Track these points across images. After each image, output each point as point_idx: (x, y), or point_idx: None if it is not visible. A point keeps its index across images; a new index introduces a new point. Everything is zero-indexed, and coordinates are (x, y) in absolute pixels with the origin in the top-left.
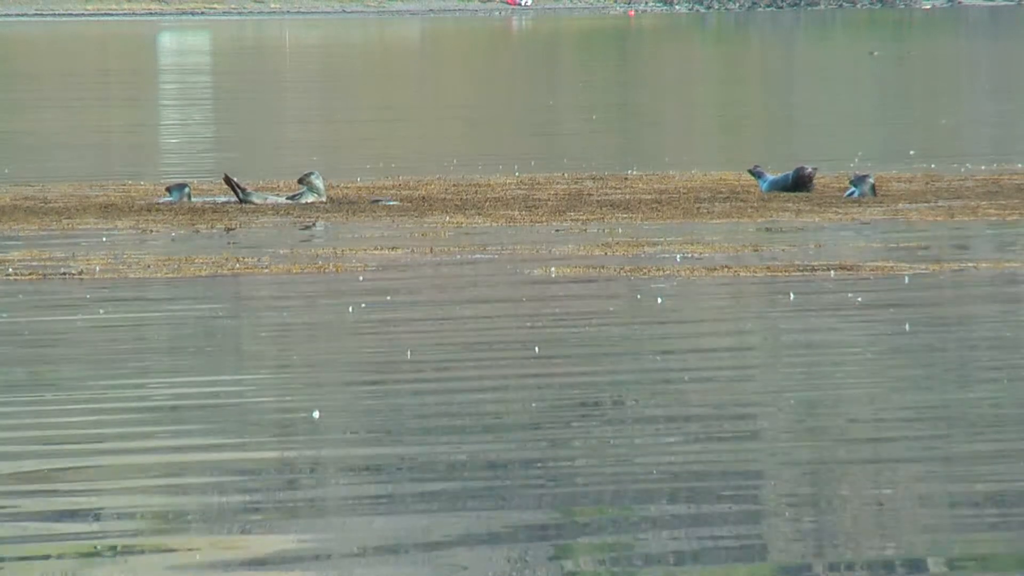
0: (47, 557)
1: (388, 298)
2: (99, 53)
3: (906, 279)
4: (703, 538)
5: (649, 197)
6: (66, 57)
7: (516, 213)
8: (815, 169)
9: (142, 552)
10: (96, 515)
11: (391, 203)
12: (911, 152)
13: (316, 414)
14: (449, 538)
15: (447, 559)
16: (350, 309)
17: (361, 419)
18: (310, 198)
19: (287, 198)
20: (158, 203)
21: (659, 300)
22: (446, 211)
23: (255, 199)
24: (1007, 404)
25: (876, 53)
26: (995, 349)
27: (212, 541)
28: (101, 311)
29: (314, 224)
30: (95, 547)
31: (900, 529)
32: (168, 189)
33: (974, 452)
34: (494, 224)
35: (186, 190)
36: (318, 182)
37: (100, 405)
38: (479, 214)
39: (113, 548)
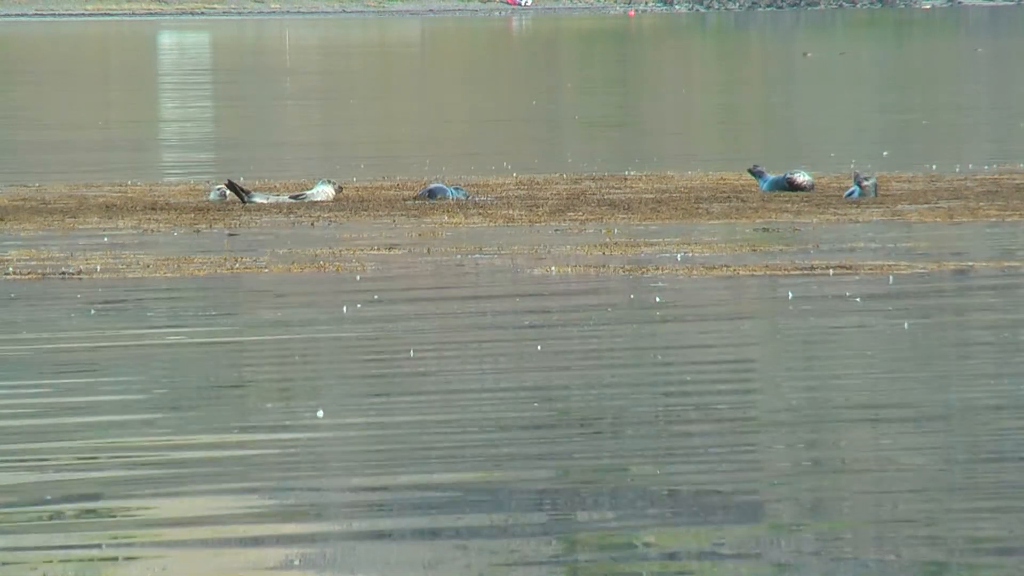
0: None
1: (376, 296)
2: (99, 53)
3: (890, 279)
4: (706, 550)
5: (650, 197)
6: (66, 57)
7: (515, 213)
8: (804, 179)
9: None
10: (93, 515)
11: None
12: (884, 153)
13: (320, 414)
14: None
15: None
16: (344, 309)
17: (362, 423)
18: (319, 198)
19: (290, 197)
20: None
21: (657, 299)
22: (446, 211)
23: (258, 198)
24: (1007, 407)
25: (809, 54)
26: (994, 347)
27: (203, 554)
28: (92, 311)
29: (315, 223)
30: (90, 555)
31: (902, 537)
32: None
33: (974, 457)
34: (493, 224)
35: (216, 191)
36: (328, 187)
37: (96, 405)
38: (479, 214)
39: (107, 556)
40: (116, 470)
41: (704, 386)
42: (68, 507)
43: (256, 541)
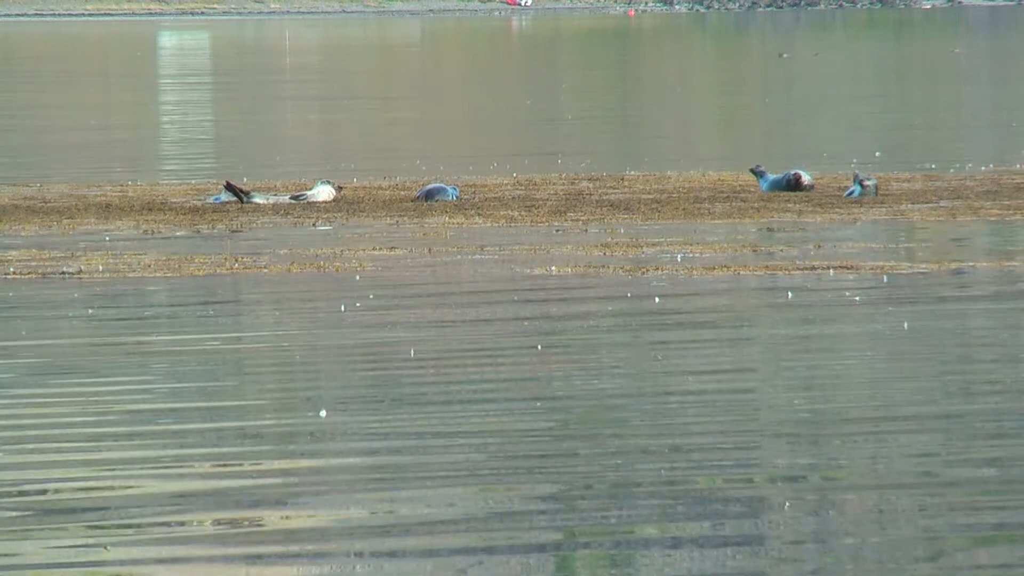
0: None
1: (371, 296)
2: (99, 53)
3: (884, 278)
4: (704, 553)
5: (649, 197)
6: (66, 57)
7: (516, 213)
8: (805, 179)
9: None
10: (94, 517)
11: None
12: (877, 153)
13: (323, 414)
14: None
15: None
16: (343, 308)
17: (362, 425)
18: (319, 198)
19: (290, 198)
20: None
21: (656, 299)
22: (447, 211)
23: (258, 199)
24: (1007, 411)
25: (785, 55)
26: (993, 348)
27: (204, 569)
28: (89, 311)
29: (316, 223)
30: (90, 557)
31: (902, 541)
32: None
33: (974, 459)
34: (494, 224)
35: (221, 197)
36: (328, 187)
37: (99, 403)
38: (479, 215)
39: (107, 554)
40: (116, 471)
41: (704, 391)
42: (68, 508)
43: (258, 557)
